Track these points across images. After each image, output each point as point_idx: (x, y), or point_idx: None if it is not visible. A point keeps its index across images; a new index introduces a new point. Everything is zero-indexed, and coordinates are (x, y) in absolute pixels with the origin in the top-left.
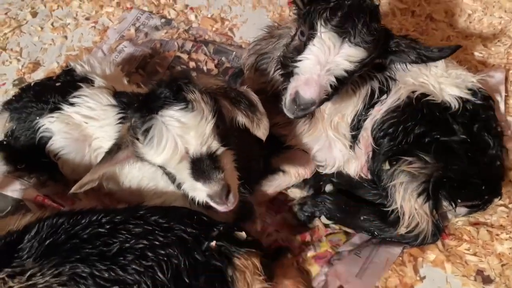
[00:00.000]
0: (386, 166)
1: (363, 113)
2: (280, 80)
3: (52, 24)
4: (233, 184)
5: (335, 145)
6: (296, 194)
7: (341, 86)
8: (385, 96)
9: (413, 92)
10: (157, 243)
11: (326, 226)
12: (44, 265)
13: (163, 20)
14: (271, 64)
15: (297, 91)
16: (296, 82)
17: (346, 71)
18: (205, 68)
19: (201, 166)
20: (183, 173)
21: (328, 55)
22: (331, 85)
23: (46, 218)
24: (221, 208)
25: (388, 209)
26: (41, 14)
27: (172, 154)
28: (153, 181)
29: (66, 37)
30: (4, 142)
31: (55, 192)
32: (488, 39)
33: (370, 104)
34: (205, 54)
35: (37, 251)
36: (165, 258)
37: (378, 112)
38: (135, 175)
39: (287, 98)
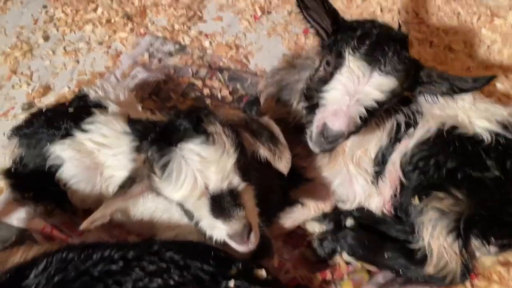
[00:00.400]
0: (415, 201)
1: (389, 148)
2: (303, 112)
3: (64, 48)
4: (254, 222)
5: (356, 180)
6: (315, 228)
7: (371, 118)
8: (412, 129)
9: (443, 124)
10: (172, 282)
11: (348, 263)
12: None
13: (177, 46)
14: (293, 95)
15: (324, 123)
16: (323, 113)
17: (377, 102)
18: (219, 95)
19: (221, 203)
20: (202, 210)
21: (357, 84)
22: (360, 117)
23: (55, 252)
24: (242, 248)
25: (415, 246)
26: (53, 38)
27: (191, 190)
28: (167, 213)
29: (78, 61)
30: (12, 169)
31: (62, 221)
32: (509, 70)
33: (395, 139)
34: (220, 81)
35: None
36: None
37: (406, 146)
38: (148, 206)
39: (314, 131)
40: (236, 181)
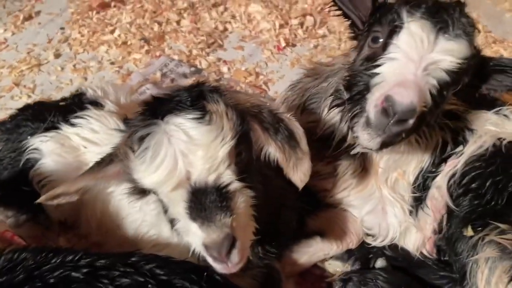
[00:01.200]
0: (468, 232)
1: (433, 170)
2: (335, 119)
3: (74, 65)
4: (243, 236)
5: (390, 209)
6: (336, 268)
7: (441, 101)
8: (461, 147)
9: (500, 139)
10: None
11: None
12: None
13: (192, 69)
14: (322, 103)
15: (388, 97)
16: (382, 89)
17: (449, 74)
18: None
19: (202, 201)
20: (177, 206)
21: (421, 49)
22: (431, 94)
23: (7, 252)
24: (218, 266)
25: None
26: (65, 56)
27: (167, 176)
28: (154, 229)
29: (86, 78)
30: None
31: (32, 235)
32: None
33: (440, 159)
34: None
35: None
36: None
37: (454, 166)
38: (134, 217)
39: (372, 112)
40: (228, 177)
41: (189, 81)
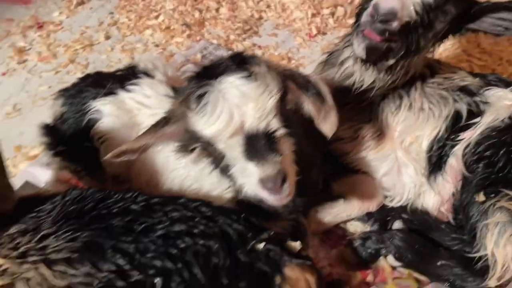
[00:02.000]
0: (480, 197)
1: (450, 138)
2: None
3: (122, 46)
4: (291, 174)
5: (405, 170)
6: (357, 228)
7: (428, 23)
8: (478, 119)
9: None
10: (196, 231)
11: (393, 268)
12: (61, 227)
13: (229, 52)
14: (340, 57)
15: (375, 4)
16: (373, 1)
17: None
18: None
19: (256, 145)
20: (234, 151)
21: None
22: (416, 11)
23: (78, 188)
24: (272, 197)
25: (475, 255)
26: (114, 38)
27: (225, 126)
28: (197, 183)
29: (133, 58)
30: (51, 125)
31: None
32: None
33: (457, 129)
34: None
35: (59, 214)
36: (204, 250)
37: (470, 137)
38: (179, 173)
39: (363, 17)
40: (275, 124)
41: None
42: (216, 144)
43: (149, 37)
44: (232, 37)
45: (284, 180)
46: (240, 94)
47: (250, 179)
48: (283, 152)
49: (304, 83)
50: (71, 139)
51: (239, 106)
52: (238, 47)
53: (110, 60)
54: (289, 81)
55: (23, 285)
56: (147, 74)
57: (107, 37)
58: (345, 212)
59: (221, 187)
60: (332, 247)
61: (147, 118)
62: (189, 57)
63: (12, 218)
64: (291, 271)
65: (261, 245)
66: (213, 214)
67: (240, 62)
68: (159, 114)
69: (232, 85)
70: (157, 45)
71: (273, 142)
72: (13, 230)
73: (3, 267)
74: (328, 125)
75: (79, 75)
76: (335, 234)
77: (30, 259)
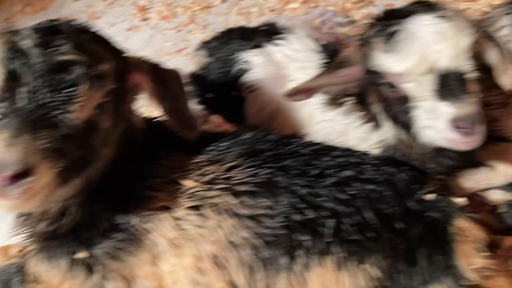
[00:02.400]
0: None
1: None
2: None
3: (238, 10)
4: (484, 118)
5: None
6: (499, 196)
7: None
8: None
9: None
10: (363, 177)
11: None
12: (245, 162)
13: (348, 19)
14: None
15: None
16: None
17: None
18: None
19: (450, 84)
20: (424, 89)
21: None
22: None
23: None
24: (464, 139)
25: None
26: (230, 1)
27: (418, 62)
28: (342, 137)
29: (249, 21)
30: (197, 74)
31: None
32: None
33: None
34: None
35: (242, 149)
36: (375, 195)
37: None
38: (325, 125)
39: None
40: (468, 66)
41: (345, 30)
42: (402, 83)
43: (265, 2)
44: (347, 5)
45: (479, 122)
46: (435, 31)
47: (439, 120)
48: (475, 95)
49: (488, 34)
50: (218, 87)
51: (434, 44)
52: (354, 15)
53: (228, 22)
54: (478, 29)
55: (209, 209)
56: (288, 31)
57: (224, 1)
58: (488, 180)
59: (367, 143)
60: (472, 212)
61: (295, 71)
62: (309, 23)
63: (196, 148)
64: (463, 223)
65: (430, 196)
66: (379, 163)
67: (429, 6)
68: (308, 67)
69: (426, 23)
70: (272, 10)
71: (465, 84)
72: (199, 159)
73: (193, 190)
74: (508, 78)
75: (199, 35)
76: (474, 201)
77: (217, 186)
